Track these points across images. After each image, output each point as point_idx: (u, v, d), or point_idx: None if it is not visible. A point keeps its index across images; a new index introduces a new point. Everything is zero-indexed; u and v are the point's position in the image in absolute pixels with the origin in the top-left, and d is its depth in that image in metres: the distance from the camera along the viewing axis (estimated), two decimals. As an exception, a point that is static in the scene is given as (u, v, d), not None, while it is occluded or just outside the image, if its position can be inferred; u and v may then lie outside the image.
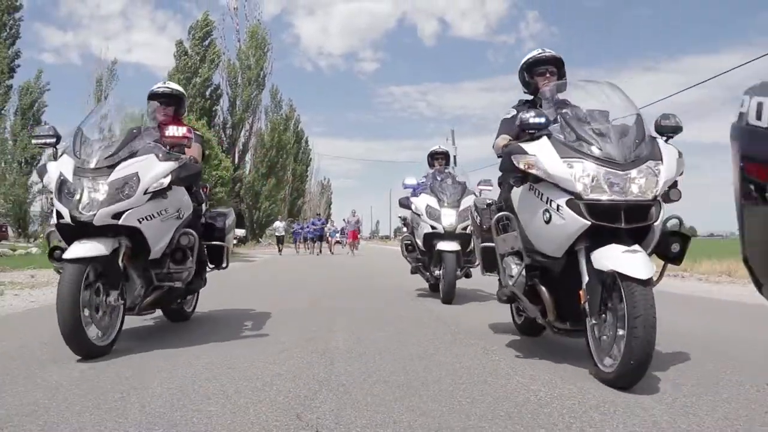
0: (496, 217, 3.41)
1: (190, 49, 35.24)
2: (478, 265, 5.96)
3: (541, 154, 2.83)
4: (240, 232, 34.09)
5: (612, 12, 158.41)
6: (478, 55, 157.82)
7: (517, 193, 3.25)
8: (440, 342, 3.68)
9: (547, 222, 2.82)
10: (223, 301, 6.04)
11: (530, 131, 2.97)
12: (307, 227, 27.30)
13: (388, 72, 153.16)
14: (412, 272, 7.05)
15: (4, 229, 27.11)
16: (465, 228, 5.94)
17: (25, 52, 34.43)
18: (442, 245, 5.87)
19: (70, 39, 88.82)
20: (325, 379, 2.69)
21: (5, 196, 29.11)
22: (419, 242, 6.40)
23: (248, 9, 39.59)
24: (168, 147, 3.50)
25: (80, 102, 37.08)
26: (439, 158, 7.12)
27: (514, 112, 3.69)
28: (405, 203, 6.84)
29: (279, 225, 29.18)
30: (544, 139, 2.90)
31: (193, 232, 3.73)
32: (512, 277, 3.21)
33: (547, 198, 2.82)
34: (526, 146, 2.93)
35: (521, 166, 2.90)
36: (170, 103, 4.39)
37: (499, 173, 3.75)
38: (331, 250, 27.11)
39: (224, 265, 4.47)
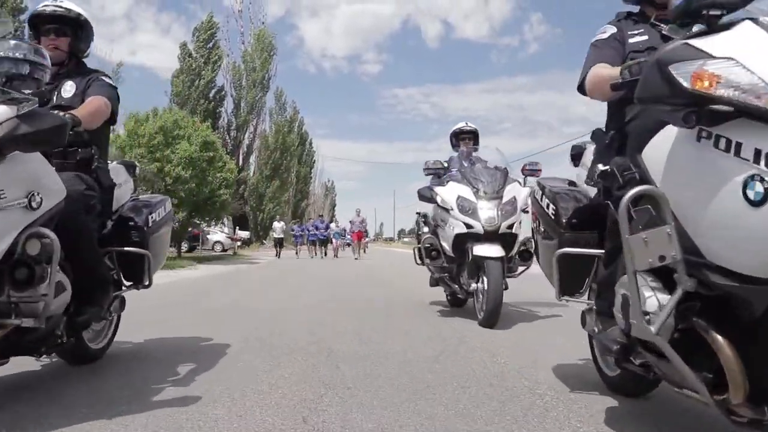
0: (628, 195, 1.73)
1: (195, 51, 35.35)
2: (520, 273, 5.05)
3: (745, 55, 1.43)
4: (244, 234, 34.11)
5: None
6: (482, 56, 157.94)
7: (663, 146, 1.72)
8: (446, 345, 3.68)
9: (758, 203, 1.37)
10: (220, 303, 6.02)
11: (712, 10, 1.56)
12: (308, 229, 24.82)
13: (392, 74, 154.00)
14: (432, 284, 5.68)
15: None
16: (510, 226, 4.67)
17: (30, 55, 34.62)
18: (481, 250, 4.47)
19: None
20: (330, 382, 2.69)
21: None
22: (446, 245, 4.91)
23: (252, 11, 39.65)
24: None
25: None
26: (465, 138, 5.70)
27: (612, 29, 2.37)
28: (427, 195, 5.23)
29: (277, 226, 25.72)
30: (747, 24, 1.52)
31: (50, 234, 2.17)
32: (650, 314, 1.69)
33: (758, 151, 1.38)
34: (702, 44, 1.50)
35: (692, 86, 1.45)
36: (64, 32, 2.85)
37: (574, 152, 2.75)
38: (335, 254, 24.76)
39: (146, 282, 3.05)
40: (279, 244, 24.76)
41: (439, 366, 3.06)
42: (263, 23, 39.50)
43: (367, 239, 33.35)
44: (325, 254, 23.68)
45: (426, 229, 5.61)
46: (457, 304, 5.53)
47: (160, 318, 4.99)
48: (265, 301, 6.55)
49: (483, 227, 4.55)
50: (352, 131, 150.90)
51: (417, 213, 6.06)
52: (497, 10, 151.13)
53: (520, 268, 5.04)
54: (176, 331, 4.23)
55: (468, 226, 4.61)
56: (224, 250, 26.34)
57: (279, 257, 22.77)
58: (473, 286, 4.62)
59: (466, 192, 4.75)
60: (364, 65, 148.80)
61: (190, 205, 17.39)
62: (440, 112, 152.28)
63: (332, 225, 27.10)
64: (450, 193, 4.85)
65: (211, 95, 35.60)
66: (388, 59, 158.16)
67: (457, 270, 5.00)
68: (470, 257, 4.58)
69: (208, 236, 25.81)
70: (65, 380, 2.72)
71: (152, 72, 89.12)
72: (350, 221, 24.82)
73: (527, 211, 4.41)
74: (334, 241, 25.42)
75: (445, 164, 5.38)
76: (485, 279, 4.38)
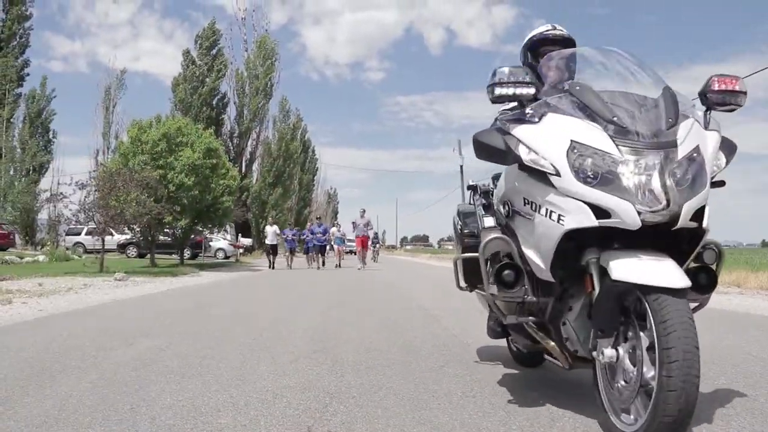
0: None
1: (198, 59, 35.57)
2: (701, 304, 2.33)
3: None
4: (247, 241, 34.15)
5: (619, 19, 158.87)
6: (485, 64, 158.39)
7: None
8: (450, 354, 3.66)
9: None
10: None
11: None
12: (306, 234, 21.30)
13: (395, 81, 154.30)
14: (495, 335, 3.14)
15: (11, 237, 27.27)
16: (698, 213, 1.96)
17: (33, 61, 35.10)
18: (637, 269, 1.88)
19: (78, 47, 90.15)
20: (335, 391, 2.68)
21: (13, 204, 29.33)
22: (536, 257, 2.25)
23: (255, 19, 39.83)
24: None
25: (89, 111, 37.49)
26: (551, 47, 2.89)
27: None
28: (494, 144, 2.31)
29: (269, 230, 21.40)
30: None
31: None
32: None
33: None
34: None
35: None
36: None
37: None
38: (338, 263, 20.99)
39: None
40: (272, 251, 20.76)
41: (443, 375, 3.04)
42: (266, 30, 39.70)
43: (378, 245, 31.53)
44: (323, 264, 19.98)
45: (489, 222, 2.76)
46: (529, 363, 3.23)
47: (161, 325, 4.99)
48: (267, 309, 6.54)
49: (639, 214, 1.91)
50: (355, 139, 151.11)
51: (469, 187, 3.18)
52: (500, 17, 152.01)
53: (691, 305, 2.02)
54: (179, 339, 4.22)
55: (599, 211, 1.96)
56: (227, 258, 26.37)
57: (272, 267, 19.33)
58: (608, 351, 2.00)
59: (591, 134, 2.05)
60: (367, 73, 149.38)
61: (193, 212, 17.43)
62: (443, 119, 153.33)
63: (333, 229, 22.96)
64: (551, 136, 2.13)
65: (214, 102, 35.84)
66: (391, 67, 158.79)
67: (555, 310, 2.37)
68: (598, 285, 2.05)
69: (210, 243, 25.85)
70: (66, 385, 2.72)
71: (155, 78, 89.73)
72: (353, 222, 20.23)
73: (722, 183, 2.26)
74: (335, 247, 22.00)
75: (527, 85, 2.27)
76: (652, 339, 1.83)
